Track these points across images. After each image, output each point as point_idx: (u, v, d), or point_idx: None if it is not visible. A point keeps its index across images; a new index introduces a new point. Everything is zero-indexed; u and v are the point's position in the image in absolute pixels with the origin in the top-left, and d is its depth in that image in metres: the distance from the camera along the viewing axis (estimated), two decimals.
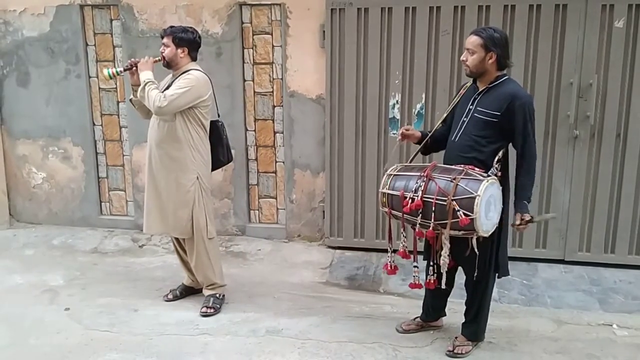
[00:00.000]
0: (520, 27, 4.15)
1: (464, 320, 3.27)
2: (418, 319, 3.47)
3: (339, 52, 4.44)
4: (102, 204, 5.27)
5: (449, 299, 3.38)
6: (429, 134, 3.23)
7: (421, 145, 3.25)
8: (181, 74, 3.51)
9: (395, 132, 4.42)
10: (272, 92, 4.76)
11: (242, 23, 4.68)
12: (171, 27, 3.55)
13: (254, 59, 4.74)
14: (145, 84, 3.42)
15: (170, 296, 3.87)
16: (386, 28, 4.35)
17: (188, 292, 3.89)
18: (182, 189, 3.55)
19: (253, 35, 4.70)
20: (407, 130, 3.23)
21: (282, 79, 4.70)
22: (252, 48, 4.73)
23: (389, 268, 3.22)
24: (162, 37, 3.53)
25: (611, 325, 3.57)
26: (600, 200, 4.29)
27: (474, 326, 3.22)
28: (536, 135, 2.98)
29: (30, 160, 5.27)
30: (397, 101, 4.44)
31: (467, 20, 4.20)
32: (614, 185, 4.26)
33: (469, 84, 3.13)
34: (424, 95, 4.39)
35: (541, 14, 4.12)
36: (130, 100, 3.70)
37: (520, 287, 4.06)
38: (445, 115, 3.23)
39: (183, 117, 3.47)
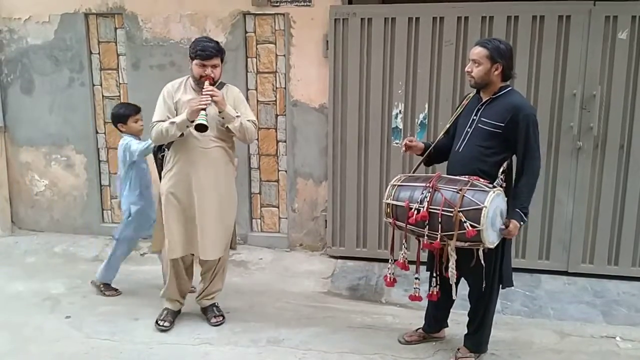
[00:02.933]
0: (523, 38, 4.15)
1: (466, 331, 3.25)
2: (420, 330, 3.45)
3: (342, 62, 4.45)
4: (104, 211, 5.27)
5: (451, 310, 3.36)
6: (432, 145, 3.23)
7: (424, 156, 3.24)
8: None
9: (398, 141, 4.42)
10: (275, 101, 4.77)
11: (246, 32, 4.70)
12: (212, 45, 3.28)
13: (257, 68, 4.76)
14: (240, 118, 3.31)
15: (166, 324, 3.59)
16: (389, 38, 4.36)
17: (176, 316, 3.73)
18: (235, 201, 3.63)
19: (257, 44, 4.72)
20: (410, 141, 3.21)
21: (285, 88, 4.71)
22: (256, 57, 4.74)
23: (389, 280, 3.20)
24: (210, 59, 3.24)
25: (614, 338, 3.54)
26: (603, 211, 4.27)
27: (477, 338, 3.20)
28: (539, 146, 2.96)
29: (33, 168, 5.27)
30: (400, 111, 4.44)
31: (470, 31, 4.21)
32: (617, 197, 4.25)
33: (472, 95, 3.12)
34: (427, 105, 4.39)
35: (544, 25, 4.13)
36: (182, 134, 3.31)
37: (523, 298, 4.04)
38: (448, 126, 3.22)
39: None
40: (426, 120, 4.40)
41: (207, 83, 3.23)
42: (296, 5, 4.53)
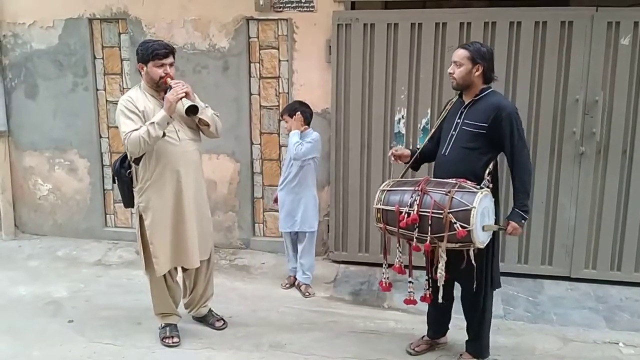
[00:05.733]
0: (526, 43, 4.16)
1: (467, 337, 3.25)
2: (426, 337, 3.44)
3: (344, 67, 4.46)
4: (107, 215, 5.28)
5: (454, 315, 3.36)
6: (418, 151, 3.26)
7: (410, 161, 3.27)
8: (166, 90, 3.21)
9: (400, 146, 4.41)
10: (278, 106, 4.78)
11: (249, 37, 4.72)
12: (164, 43, 3.25)
13: (260, 73, 4.77)
14: (209, 108, 3.31)
15: (175, 340, 3.49)
16: (392, 44, 4.37)
17: None
18: (207, 203, 3.59)
19: (260, 49, 4.73)
20: (396, 151, 3.26)
21: (288, 93, 4.72)
22: (259, 62, 4.75)
23: (384, 285, 3.20)
24: (166, 57, 3.17)
25: (617, 344, 3.54)
26: (606, 217, 4.27)
27: (478, 343, 3.21)
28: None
29: (36, 172, 5.29)
30: (402, 116, 4.45)
31: (472, 36, 4.20)
32: (620, 202, 4.24)
33: (454, 99, 3.17)
34: (429, 111, 4.39)
35: (547, 31, 4.13)
36: (164, 134, 3.17)
37: (526, 304, 4.03)
38: (432, 130, 3.27)
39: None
40: (428, 125, 4.40)
41: (169, 80, 3.17)
42: (299, 10, 4.55)
